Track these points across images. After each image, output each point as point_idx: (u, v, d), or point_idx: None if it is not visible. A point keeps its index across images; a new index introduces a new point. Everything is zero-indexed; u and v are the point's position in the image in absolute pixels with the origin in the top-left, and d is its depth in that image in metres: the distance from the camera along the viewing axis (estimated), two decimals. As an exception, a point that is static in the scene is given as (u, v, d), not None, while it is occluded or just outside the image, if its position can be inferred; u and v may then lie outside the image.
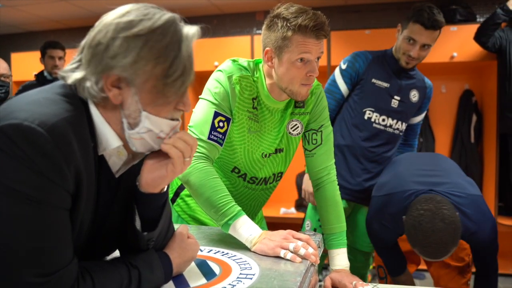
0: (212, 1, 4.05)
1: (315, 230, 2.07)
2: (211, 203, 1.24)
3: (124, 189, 0.94)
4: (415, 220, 1.52)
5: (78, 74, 0.81)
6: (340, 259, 1.46)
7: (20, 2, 3.94)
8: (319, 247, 1.27)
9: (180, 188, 1.64)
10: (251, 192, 1.56)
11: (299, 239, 1.18)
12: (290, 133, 1.50)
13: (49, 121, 0.72)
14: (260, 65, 1.43)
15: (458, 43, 3.50)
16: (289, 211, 3.96)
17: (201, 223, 1.59)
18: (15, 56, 4.53)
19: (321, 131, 1.52)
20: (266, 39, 1.34)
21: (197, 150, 1.31)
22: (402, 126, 2.14)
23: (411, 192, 1.69)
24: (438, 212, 1.48)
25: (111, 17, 0.81)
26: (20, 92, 3.42)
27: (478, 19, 3.78)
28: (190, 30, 0.84)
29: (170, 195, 1.68)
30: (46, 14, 4.42)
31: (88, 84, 0.80)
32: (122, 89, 0.80)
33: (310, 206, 2.21)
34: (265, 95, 1.41)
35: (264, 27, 1.36)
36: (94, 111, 0.82)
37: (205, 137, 1.33)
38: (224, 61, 1.42)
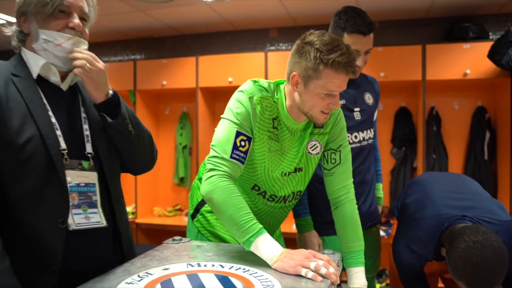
0: (226, 17, 4.12)
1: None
2: (233, 221, 1.27)
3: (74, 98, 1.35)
4: (464, 253, 1.45)
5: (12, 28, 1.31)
6: (358, 277, 1.47)
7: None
8: (338, 266, 1.29)
9: (200, 204, 1.67)
10: (270, 209, 1.59)
11: (319, 258, 1.20)
12: (309, 152, 1.52)
13: None
14: (282, 86, 1.47)
15: (471, 60, 3.52)
16: (301, 226, 3.95)
17: (220, 239, 1.62)
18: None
19: (339, 150, 1.55)
20: (295, 64, 1.37)
21: (220, 168, 1.35)
22: (371, 132, 2.05)
23: (445, 217, 1.65)
24: (488, 244, 1.43)
25: None
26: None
27: (490, 37, 3.81)
28: None
29: (191, 211, 1.72)
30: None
31: (15, 29, 1.29)
32: (27, 22, 1.26)
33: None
34: (285, 115, 1.44)
35: (293, 51, 1.38)
36: (22, 49, 1.28)
37: (227, 156, 1.36)
38: (245, 82, 1.46)
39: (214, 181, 1.32)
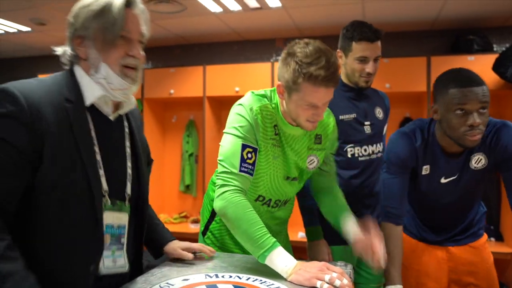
0: (233, 28, 4.18)
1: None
2: (247, 236, 1.32)
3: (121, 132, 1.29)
4: (442, 73, 1.60)
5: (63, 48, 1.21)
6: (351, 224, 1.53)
7: (51, 28, 4.11)
8: (350, 277, 1.33)
9: (209, 221, 1.71)
10: (270, 215, 1.63)
11: (333, 271, 1.23)
12: (306, 167, 1.58)
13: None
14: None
15: (475, 72, 3.55)
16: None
17: (228, 251, 1.66)
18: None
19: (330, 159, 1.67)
20: (280, 75, 1.41)
21: (231, 183, 1.39)
22: (381, 146, 2.09)
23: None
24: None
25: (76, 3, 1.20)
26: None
27: (495, 49, 3.85)
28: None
29: (201, 228, 1.76)
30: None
31: (68, 51, 1.20)
32: (85, 46, 1.17)
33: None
34: (281, 120, 1.49)
35: (280, 60, 1.42)
36: (75, 68, 1.20)
37: (236, 170, 1.40)
38: (244, 95, 1.51)
39: (227, 196, 1.36)
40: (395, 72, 3.72)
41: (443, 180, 1.72)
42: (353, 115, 1.98)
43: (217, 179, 1.43)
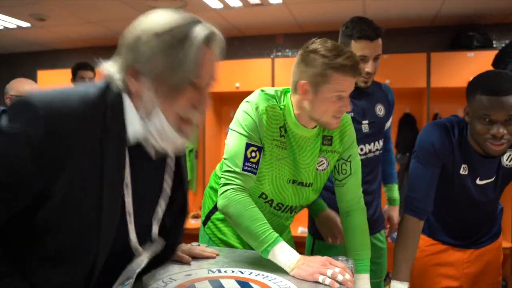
0: (233, 24, 4.18)
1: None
2: (250, 232, 1.33)
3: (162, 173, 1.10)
4: (477, 75, 1.54)
5: (110, 68, 0.96)
6: (363, 284, 1.51)
7: (51, 23, 4.10)
8: (352, 272, 1.34)
9: (211, 212, 1.72)
10: (276, 218, 1.63)
11: (335, 266, 1.25)
12: (316, 168, 1.57)
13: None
14: (288, 94, 1.51)
15: (475, 68, 3.56)
16: (306, 230, 3.99)
17: (231, 247, 1.66)
18: (41, 74, 4.69)
19: (350, 161, 1.59)
20: (302, 73, 1.42)
21: (233, 182, 1.41)
22: (380, 144, 2.04)
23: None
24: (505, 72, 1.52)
25: (141, 20, 0.95)
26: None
27: (494, 45, 3.86)
28: (201, 31, 0.94)
29: (202, 218, 1.77)
30: (74, 35, 4.59)
31: (117, 77, 0.95)
32: (140, 81, 0.93)
33: None
34: (293, 122, 1.49)
35: (298, 60, 1.44)
36: (124, 97, 0.96)
37: (239, 169, 1.41)
38: (254, 92, 1.51)
39: (228, 195, 1.39)
40: (395, 68, 3.72)
41: (478, 182, 1.66)
42: (350, 115, 1.89)
43: (221, 177, 1.44)
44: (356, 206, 1.61)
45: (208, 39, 0.94)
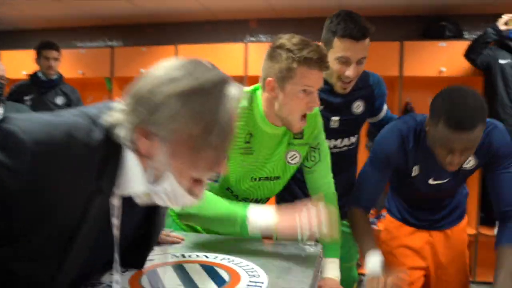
0: (206, 7, 4.09)
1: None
2: (217, 218, 1.29)
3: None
4: (445, 92, 1.46)
5: (118, 118, 0.82)
6: (331, 268, 1.49)
7: (15, 1, 3.92)
8: (320, 257, 1.32)
9: None
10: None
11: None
12: (288, 162, 1.54)
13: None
14: (258, 92, 1.46)
15: (446, 58, 3.61)
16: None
17: (195, 230, 1.61)
18: (5, 54, 4.50)
19: (319, 148, 1.57)
20: (269, 69, 1.38)
21: None
22: (351, 139, 1.91)
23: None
24: (470, 91, 1.45)
25: (158, 70, 0.83)
26: (14, 92, 3.40)
27: (465, 36, 3.90)
28: (233, 92, 0.84)
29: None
30: (39, 13, 4.40)
31: (123, 131, 0.81)
32: (153, 142, 0.80)
33: None
34: (263, 122, 1.44)
35: (266, 57, 1.40)
36: (129, 154, 0.83)
37: None
38: None
39: None
40: (368, 56, 3.70)
41: (431, 182, 1.68)
42: (320, 107, 1.76)
43: None
44: (327, 191, 1.59)
45: (239, 99, 0.85)
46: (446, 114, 1.39)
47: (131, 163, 0.83)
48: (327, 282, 1.45)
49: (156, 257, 1.23)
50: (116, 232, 0.88)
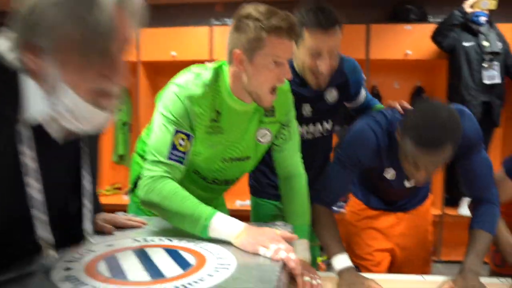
0: (170, -12, 3.95)
1: None
2: (180, 215, 1.19)
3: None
4: (417, 108, 1.39)
5: (4, 44, 0.82)
6: (301, 250, 1.43)
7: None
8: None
9: (139, 178, 1.57)
10: (212, 192, 1.54)
11: (282, 243, 1.11)
12: (259, 141, 1.46)
13: None
14: (224, 67, 1.37)
15: (411, 41, 3.63)
16: (244, 203, 3.95)
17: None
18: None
19: (289, 125, 1.51)
20: (236, 41, 1.28)
21: (155, 173, 1.25)
22: (325, 126, 1.84)
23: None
24: (443, 106, 1.37)
25: None
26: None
27: (430, 19, 3.92)
28: None
29: (131, 185, 1.63)
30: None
31: (11, 54, 0.81)
32: (40, 56, 0.80)
33: None
34: (231, 99, 1.35)
35: (231, 29, 1.30)
36: (25, 80, 0.82)
37: (164, 158, 1.27)
38: (185, 73, 1.35)
39: (149, 183, 1.24)
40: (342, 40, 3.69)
41: (407, 184, 1.65)
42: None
43: (144, 170, 1.29)
44: (296, 171, 1.54)
45: (121, 1, 0.83)
46: (415, 132, 1.33)
47: (29, 86, 0.83)
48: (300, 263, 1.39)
49: (115, 242, 1.15)
50: (32, 163, 0.84)
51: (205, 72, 1.35)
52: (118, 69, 0.85)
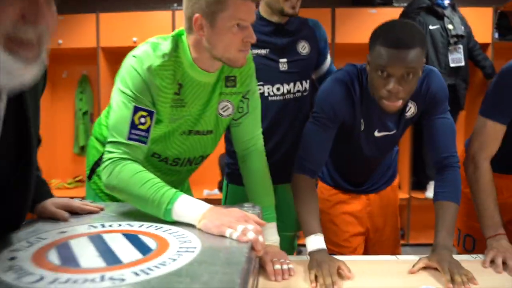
0: (129, -29, 3.80)
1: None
2: (143, 197, 1.11)
3: None
4: (381, 25, 1.39)
5: None
6: (270, 233, 1.38)
7: None
8: (259, 217, 1.20)
9: (96, 164, 1.48)
10: (176, 174, 1.46)
11: (250, 224, 1.04)
12: (220, 114, 1.39)
13: None
14: (183, 37, 1.28)
15: (377, 25, 3.60)
16: (212, 192, 3.90)
17: (119, 202, 1.44)
18: None
19: (247, 98, 1.43)
20: (194, 5, 1.18)
21: (115, 155, 1.18)
22: (304, 84, 1.83)
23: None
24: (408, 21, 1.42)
25: None
26: None
27: (394, 4, 3.93)
28: None
29: (87, 172, 1.53)
30: None
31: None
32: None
33: None
34: (192, 67, 1.27)
35: None
36: None
37: (123, 138, 1.18)
38: (142, 44, 1.25)
39: (110, 167, 1.17)
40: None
41: (376, 134, 1.58)
42: (265, 51, 1.74)
43: (105, 152, 1.21)
44: (253, 147, 1.47)
45: None
46: (383, 35, 1.32)
47: None
48: (269, 250, 1.33)
49: (69, 228, 1.06)
50: None
51: (164, 42, 1.25)
52: (39, 9, 0.72)
